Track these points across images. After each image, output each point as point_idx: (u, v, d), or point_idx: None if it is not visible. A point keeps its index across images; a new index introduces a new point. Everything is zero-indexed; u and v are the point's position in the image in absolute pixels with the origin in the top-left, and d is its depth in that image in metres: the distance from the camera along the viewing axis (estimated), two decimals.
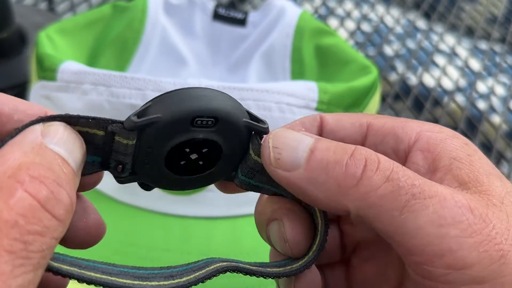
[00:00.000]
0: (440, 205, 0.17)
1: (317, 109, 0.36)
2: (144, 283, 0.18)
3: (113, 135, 0.18)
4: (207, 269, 0.19)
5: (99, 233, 0.20)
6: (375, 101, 0.41)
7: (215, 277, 0.19)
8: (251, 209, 0.23)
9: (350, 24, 0.69)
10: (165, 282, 0.18)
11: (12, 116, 0.16)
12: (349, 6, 0.73)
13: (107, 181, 0.37)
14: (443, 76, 0.62)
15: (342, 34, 0.66)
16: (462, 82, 0.62)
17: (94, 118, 0.17)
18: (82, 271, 0.16)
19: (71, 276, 0.15)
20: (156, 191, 0.36)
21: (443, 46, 0.68)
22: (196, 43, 0.49)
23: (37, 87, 0.36)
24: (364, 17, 0.71)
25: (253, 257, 0.23)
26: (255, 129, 0.20)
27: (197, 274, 0.19)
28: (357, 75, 0.40)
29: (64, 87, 0.35)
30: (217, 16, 0.49)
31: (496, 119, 0.58)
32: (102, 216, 0.21)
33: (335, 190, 0.18)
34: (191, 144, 0.19)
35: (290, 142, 0.19)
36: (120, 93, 0.34)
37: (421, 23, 0.72)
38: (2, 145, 0.15)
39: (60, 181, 0.14)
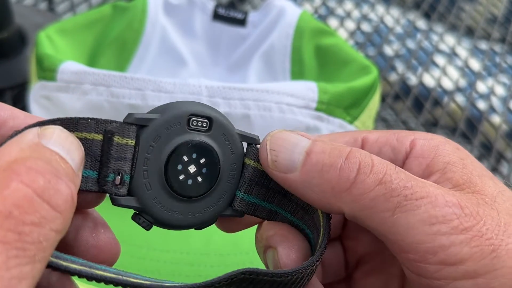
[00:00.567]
0: (431, 204, 0.17)
1: (317, 109, 0.36)
2: (158, 283, 0.18)
3: (111, 136, 0.18)
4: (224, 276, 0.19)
5: (112, 251, 0.20)
6: (375, 101, 0.41)
7: None
8: None
9: (350, 24, 0.69)
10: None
11: (8, 122, 0.16)
12: (349, 6, 0.73)
13: None
14: (443, 76, 0.62)
15: (342, 34, 0.66)
16: (462, 82, 0.62)
17: (93, 119, 0.17)
18: (92, 270, 0.16)
19: (80, 274, 0.15)
20: None
21: (443, 46, 0.68)
22: (196, 43, 0.49)
23: (37, 87, 0.36)
24: (364, 17, 0.71)
25: (252, 257, 0.23)
26: (247, 137, 0.20)
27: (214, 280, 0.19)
28: (357, 75, 0.40)
29: (64, 87, 0.35)
30: (217, 16, 0.49)
31: (496, 119, 0.58)
32: (102, 216, 0.21)
33: (330, 192, 0.18)
34: (189, 150, 0.19)
35: (287, 145, 0.19)
36: (120, 93, 0.34)
37: (421, 23, 0.72)
38: (0, 145, 0.15)
39: (59, 173, 0.14)
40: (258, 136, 0.21)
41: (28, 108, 0.36)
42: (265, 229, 0.22)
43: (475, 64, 0.65)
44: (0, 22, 0.49)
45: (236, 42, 0.49)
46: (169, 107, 0.19)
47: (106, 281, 0.16)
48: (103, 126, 0.18)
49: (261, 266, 0.20)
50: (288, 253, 0.20)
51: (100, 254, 0.19)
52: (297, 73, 0.46)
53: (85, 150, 0.17)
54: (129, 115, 0.18)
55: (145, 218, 0.20)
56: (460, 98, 0.60)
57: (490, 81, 0.63)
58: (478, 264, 0.17)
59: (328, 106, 0.36)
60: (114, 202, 0.19)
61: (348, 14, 0.71)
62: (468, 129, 0.55)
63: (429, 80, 0.61)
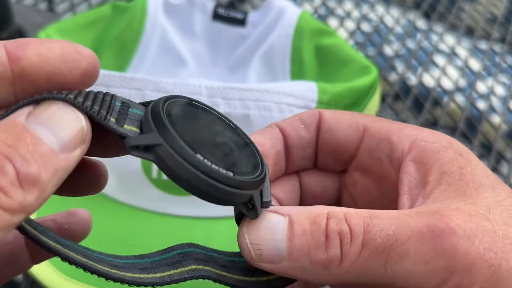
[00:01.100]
0: (419, 243, 0.17)
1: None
2: (121, 273, 0.18)
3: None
4: (182, 269, 0.20)
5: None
6: (374, 101, 0.41)
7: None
8: None
9: (350, 24, 0.69)
10: (140, 275, 0.19)
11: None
12: (349, 6, 0.73)
13: (108, 182, 0.37)
14: (443, 76, 0.62)
15: (342, 34, 0.66)
16: (462, 82, 0.62)
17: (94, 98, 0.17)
18: (65, 249, 0.17)
19: (49, 248, 0.16)
20: (156, 191, 0.36)
21: (443, 46, 0.68)
22: (195, 43, 0.49)
23: None
24: (364, 17, 0.71)
25: None
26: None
27: (171, 272, 0.19)
28: (357, 75, 0.40)
29: None
30: (216, 16, 0.49)
31: (496, 119, 0.58)
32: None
33: (323, 272, 0.18)
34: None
35: (266, 235, 0.18)
36: (120, 93, 0.34)
37: (421, 23, 0.72)
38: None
39: (13, 156, 0.14)
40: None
41: None
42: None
43: (475, 64, 0.65)
44: (0, 22, 0.49)
45: (236, 42, 0.49)
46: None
47: (73, 263, 0.17)
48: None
49: None
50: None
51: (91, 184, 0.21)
52: (297, 73, 0.46)
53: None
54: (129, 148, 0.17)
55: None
56: (460, 98, 0.60)
57: (490, 81, 0.63)
58: None
59: (328, 106, 0.36)
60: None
61: (348, 14, 0.71)
62: (468, 129, 0.55)
63: (429, 80, 0.61)
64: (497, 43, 0.71)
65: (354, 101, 0.38)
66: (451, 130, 0.55)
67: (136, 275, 0.19)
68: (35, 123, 0.15)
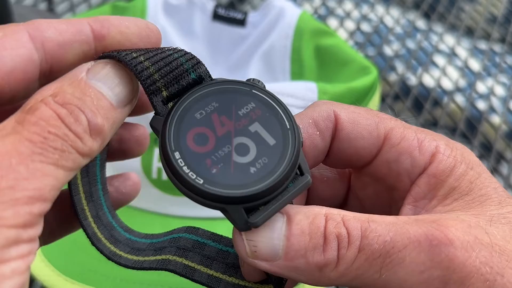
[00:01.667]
0: (416, 252, 0.17)
1: None
2: (116, 249, 0.20)
3: None
4: (156, 257, 0.21)
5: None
6: (374, 102, 0.41)
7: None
8: None
9: (350, 24, 0.69)
10: (126, 255, 0.21)
11: (58, 40, 0.18)
12: (348, 6, 0.73)
13: None
14: (443, 76, 0.62)
15: (342, 34, 0.66)
16: (462, 82, 0.62)
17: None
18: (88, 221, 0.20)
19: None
20: (156, 191, 0.36)
21: (443, 46, 0.68)
22: (195, 43, 0.49)
23: None
24: (364, 17, 0.71)
25: None
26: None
27: (146, 258, 0.20)
28: (357, 76, 0.40)
29: None
30: (216, 17, 0.49)
31: (496, 119, 0.58)
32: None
33: (318, 274, 0.18)
34: None
35: (263, 232, 0.18)
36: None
37: (421, 23, 0.72)
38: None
39: (84, 107, 0.16)
40: None
41: None
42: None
43: (475, 64, 0.65)
44: (0, 22, 0.49)
45: (236, 42, 0.49)
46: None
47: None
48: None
49: None
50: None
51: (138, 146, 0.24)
52: (297, 73, 0.46)
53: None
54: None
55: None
56: (460, 98, 0.60)
57: (490, 81, 0.63)
58: None
59: None
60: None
61: (348, 14, 0.71)
62: (468, 129, 0.55)
63: (429, 80, 0.61)
64: (497, 43, 0.71)
65: (354, 101, 0.38)
66: (451, 131, 0.55)
67: (124, 254, 0.21)
68: (94, 79, 0.17)
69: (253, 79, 0.19)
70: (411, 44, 0.67)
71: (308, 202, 0.25)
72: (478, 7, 0.78)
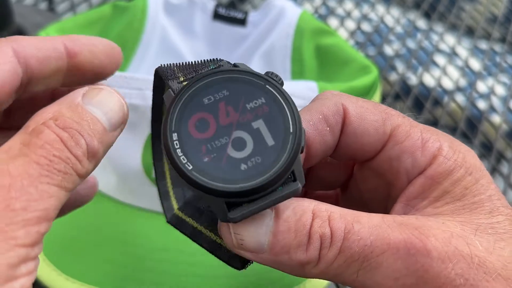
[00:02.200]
0: (393, 258, 0.17)
1: None
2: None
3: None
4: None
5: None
6: (375, 101, 0.41)
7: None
8: None
9: (350, 24, 0.69)
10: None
11: (37, 56, 0.20)
12: (349, 6, 0.73)
13: (108, 182, 0.37)
14: (443, 76, 0.62)
15: (342, 34, 0.66)
16: (462, 82, 0.62)
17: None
18: None
19: None
20: (156, 191, 0.36)
21: (443, 46, 0.68)
22: (196, 43, 0.49)
23: None
24: (364, 17, 0.71)
25: None
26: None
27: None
28: (357, 75, 0.40)
29: None
30: (217, 16, 0.49)
31: (496, 119, 0.58)
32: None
33: (299, 269, 0.19)
34: None
35: (251, 226, 0.18)
36: (120, 93, 0.34)
37: (421, 23, 0.72)
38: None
39: (83, 131, 0.17)
40: None
41: None
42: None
43: (475, 64, 0.65)
44: (0, 22, 0.49)
45: (236, 42, 0.49)
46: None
47: None
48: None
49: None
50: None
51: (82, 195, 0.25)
52: (298, 72, 0.46)
53: None
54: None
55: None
56: (460, 98, 0.60)
57: (490, 81, 0.63)
58: None
59: None
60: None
61: (348, 14, 0.71)
62: (468, 129, 0.55)
63: (429, 80, 0.61)
64: (497, 43, 0.71)
65: None
66: (452, 130, 0.55)
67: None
68: (90, 104, 0.18)
69: (272, 72, 0.19)
70: (411, 44, 0.67)
71: (307, 181, 0.25)
72: (479, 7, 0.78)
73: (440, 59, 0.65)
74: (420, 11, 0.74)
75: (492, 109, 0.59)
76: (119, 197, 0.36)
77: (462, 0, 0.77)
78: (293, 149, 0.18)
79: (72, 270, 0.32)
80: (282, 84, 0.19)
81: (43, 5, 0.62)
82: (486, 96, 0.61)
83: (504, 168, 0.52)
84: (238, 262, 0.21)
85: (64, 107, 0.18)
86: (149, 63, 0.46)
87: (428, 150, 0.21)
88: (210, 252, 0.21)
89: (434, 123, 0.56)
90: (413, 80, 0.61)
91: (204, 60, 0.20)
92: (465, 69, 0.64)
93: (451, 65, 0.64)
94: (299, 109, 0.22)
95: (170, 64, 0.20)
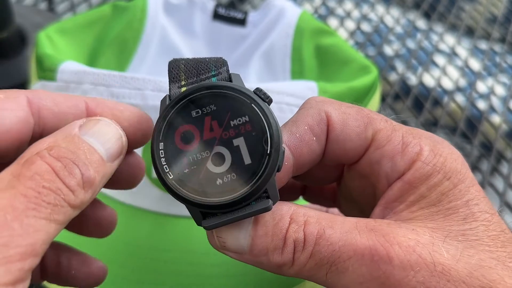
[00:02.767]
0: (358, 264, 0.18)
1: None
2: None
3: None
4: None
5: (111, 224, 0.25)
6: (375, 101, 0.41)
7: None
8: None
9: (350, 24, 0.69)
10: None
11: (53, 109, 0.20)
12: (349, 6, 0.73)
13: None
14: (443, 76, 0.62)
15: (342, 34, 0.66)
16: (462, 82, 0.62)
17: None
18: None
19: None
20: (157, 191, 0.36)
21: (443, 46, 0.68)
22: (196, 43, 0.49)
23: (36, 87, 0.36)
24: (364, 17, 0.71)
25: None
26: None
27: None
28: (357, 75, 0.40)
29: (64, 87, 0.35)
30: (217, 16, 0.49)
31: (496, 119, 0.58)
32: None
33: (277, 269, 0.20)
34: None
35: (231, 230, 0.20)
36: (120, 93, 0.34)
37: (421, 23, 0.72)
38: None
39: (77, 161, 0.17)
40: None
41: None
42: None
43: (475, 64, 0.65)
44: (1, 22, 0.49)
45: (236, 41, 0.49)
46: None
47: None
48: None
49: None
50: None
51: (102, 227, 0.24)
52: (297, 72, 0.46)
53: None
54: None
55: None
56: (460, 98, 0.60)
57: (490, 81, 0.63)
58: None
59: None
60: None
61: (348, 14, 0.71)
62: (468, 129, 0.55)
63: (429, 80, 0.61)
64: (497, 43, 0.71)
65: (355, 101, 0.38)
66: (451, 130, 0.55)
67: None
68: (87, 134, 0.18)
69: (260, 90, 0.20)
70: (411, 44, 0.67)
71: (300, 177, 0.26)
72: (479, 7, 0.78)
73: (440, 59, 0.65)
74: (420, 11, 0.74)
75: (492, 109, 0.59)
76: (119, 197, 0.36)
77: (462, 0, 0.77)
78: (267, 171, 0.19)
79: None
80: (269, 102, 0.20)
81: (43, 5, 0.62)
82: (486, 96, 0.61)
83: (504, 168, 0.52)
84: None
85: (60, 137, 0.18)
86: (149, 63, 0.46)
87: (407, 154, 0.21)
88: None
89: (434, 123, 0.56)
90: (413, 80, 0.61)
91: (207, 59, 0.21)
92: (465, 69, 0.64)
93: (451, 65, 0.64)
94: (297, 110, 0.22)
95: (178, 60, 0.21)
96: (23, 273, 0.15)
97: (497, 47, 0.70)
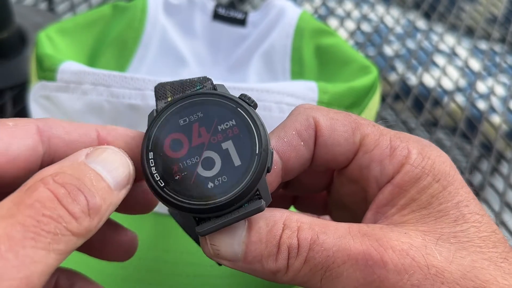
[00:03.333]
0: (353, 269, 0.18)
1: None
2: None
3: None
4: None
5: (133, 246, 0.24)
6: (375, 101, 0.41)
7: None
8: None
9: (350, 24, 0.69)
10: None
11: (63, 138, 0.20)
12: (349, 6, 0.73)
13: None
14: (443, 76, 0.62)
15: (342, 34, 0.66)
16: (462, 82, 0.62)
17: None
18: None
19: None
20: None
21: (443, 46, 0.68)
22: (196, 43, 0.49)
23: (37, 88, 0.36)
24: (364, 17, 0.71)
25: None
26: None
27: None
28: (357, 75, 0.40)
29: (64, 87, 0.35)
30: (217, 16, 0.49)
31: (496, 119, 0.58)
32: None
33: (271, 276, 0.20)
34: None
35: (225, 237, 0.20)
36: (120, 93, 0.34)
37: (421, 23, 0.72)
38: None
39: (83, 187, 0.17)
40: None
41: (28, 109, 0.36)
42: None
43: (475, 64, 0.65)
44: (0, 22, 0.49)
45: (236, 42, 0.49)
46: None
47: None
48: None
49: None
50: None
51: (123, 251, 0.24)
52: (297, 73, 0.46)
53: None
54: None
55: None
56: (460, 98, 0.60)
57: (490, 81, 0.63)
58: None
59: (328, 106, 0.36)
60: None
61: (348, 14, 0.71)
62: (468, 129, 0.55)
63: (429, 80, 0.61)
64: (497, 43, 0.71)
65: (355, 101, 0.38)
66: (451, 130, 0.55)
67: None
68: (94, 162, 0.18)
69: (245, 95, 0.20)
70: (411, 44, 0.67)
71: (290, 187, 0.27)
72: (479, 7, 0.78)
73: (440, 60, 0.65)
74: (420, 12, 0.74)
75: (492, 109, 0.59)
76: None
77: (462, 1, 0.77)
78: (257, 170, 0.19)
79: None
80: (255, 106, 0.20)
81: (43, 5, 0.63)
82: (486, 97, 0.61)
83: (504, 168, 0.52)
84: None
85: (67, 164, 0.18)
86: (149, 63, 0.46)
87: (396, 158, 0.21)
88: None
89: (434, 123, 0.56)
90: (413, 80, 0.61)
91: (193, 78, 0.21)
92: (465, 70, 0.64)
93: (451, 65, 0.64)
94: None
95: (164, 83, 0.21)
96: None
97: (497, 47, 0.70)
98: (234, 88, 0.34)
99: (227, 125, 0.19)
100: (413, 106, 0.57)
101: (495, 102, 0.60)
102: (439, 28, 0.72)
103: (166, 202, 0.19)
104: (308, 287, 0.20)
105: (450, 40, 0.69)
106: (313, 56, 0.46)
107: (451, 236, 0.19)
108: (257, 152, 0.19)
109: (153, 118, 0.20)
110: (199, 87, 0.21)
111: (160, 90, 0.21)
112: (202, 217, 0.19)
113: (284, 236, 0.19)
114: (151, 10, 0.47)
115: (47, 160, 0.20)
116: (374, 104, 0.41)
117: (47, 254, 0.15)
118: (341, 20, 0.69)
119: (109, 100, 0.34)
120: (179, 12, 0.49)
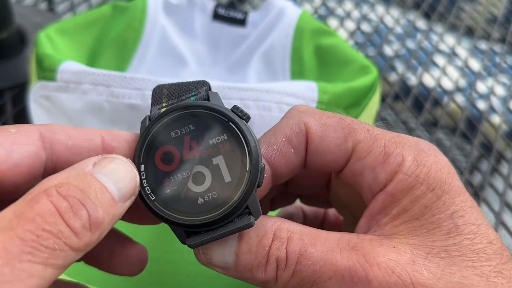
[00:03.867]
0: (338, 284, 0.19)
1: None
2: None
3: None
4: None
5: (143, 259, 0.24)
6: (375, 101, 0.41)
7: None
8: None
9: (350, 24, 0.69)
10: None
11: (67, 143, 0.20)
12: (349, 6, 0.73)
13: None
14: (443, 76, 0.62)
15: (342, 34, 0.66)
16: (462, 82, 0.62)
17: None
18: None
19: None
20: None
21: (443, 46, 0.68)
22: (196, 43, 0.49)
23: (36, 88, 0.36)
24: (364, 17, 0.71)
25: None
26: None
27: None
28: (357, 75, 0.40)
29: (63, 87, 0.35)
30: (216, 16, 0.49)
31: (496, 119, 0.58)
32: None
33: (262, 285, 0.20)
34: None
35: (216, 247, 0.20)
36: (120, 93, 0.34)
37: (421, 23, 0.72)
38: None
39: (85, 201, 0.17)
40: None
41: (28, 109, 0.36)
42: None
43: (475, 64, 0.65)
44: (0, 22, 0.49)
45: (236, 42, 0.49)
46: None
47: None
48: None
49: None
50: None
51: (133, 265, 0.24)
52: (297, 73, 0.46)
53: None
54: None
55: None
56: (460, 98, 0.60)
57: (490, 81, 0.63)
58: None
59: (328, 106, 0.36)
60: None
61: (348, 14, 0.71)
62: (468, 129, 0.55)
63: (429, 80, 0.61)
64: (497, 43, 0.71)
65: (354, 101, 0.38)
66: (451, 130, 0.55)
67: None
68: (100, 173, 0.18)
69: (237, 107, 0.20)
70: (411, 44, 0.67)
71: (290, 187, 0.27)
72: (478, 7, 0.78)
73: (439, 60, 0.65)
74: (420, 12, 0.74)
75: (492, 109, 0.59)
76: None
77: (461, 1, 0.77)
78: (247, 187, 0.19)
79: (72, 269, 0.32)
80: (247, 119, 0.20)
81: (43, 5, 0.63)
82: (485, 97, 0.61)
83: (504, 168, 0.52)
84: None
85: (73, 174, 0.17)
86: (149, 63, 0.46)
87: (389, 165, 0.21)
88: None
89: (433, 123, 0.56)
90: (412, 80, 0.61)
91: (190, 82, 0.21)
92: (465, 70, 0.64)
93: (450, 65, 0.64)
94: None
95: (162, 85, 0.21)
96: None
97: (497, 47, 0.70)
98: (234, 88, 0.34)
99: (218, 139, 0.19)
100: (413, 106, 0.57)
101: (495, 102, 0.60)
102: (439, 28, 0.72)
103: (156, 215, 0.19)
104: None
105: (450, 40, 0.69)
106: (313, 56, 0.46)
107: (442, 250, 0.19)
108: (247, 169, 0.19)
109: (145, 129, 0.20)
110: (194, 93, 0.21)
111: (157, 93, 0.21)
112: (192, 231, 0.20)
113: (273, 248, 0.20)
114: (151, 10, 0.47)
115: (50, 166, 0.20)
116: (374, 104, 0.41)
117: (44, 269, 0.15)
118: (341, 20, 0.69)
119: (109, 100, 0.34)
120: (179, 12, 0.49)
